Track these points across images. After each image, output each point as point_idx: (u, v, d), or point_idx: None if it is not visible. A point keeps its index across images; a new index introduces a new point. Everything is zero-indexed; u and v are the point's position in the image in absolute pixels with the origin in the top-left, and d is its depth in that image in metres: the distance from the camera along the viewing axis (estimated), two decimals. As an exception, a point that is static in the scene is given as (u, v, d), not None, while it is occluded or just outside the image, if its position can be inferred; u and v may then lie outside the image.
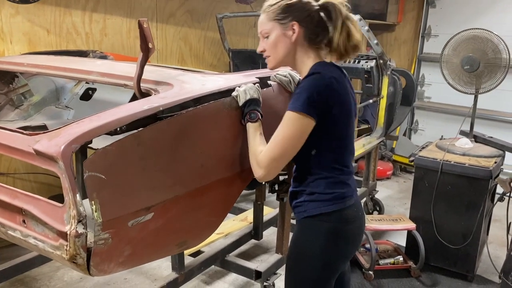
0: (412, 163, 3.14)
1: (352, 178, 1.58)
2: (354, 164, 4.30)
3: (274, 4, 1.49)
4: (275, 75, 1.83)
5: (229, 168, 1.62)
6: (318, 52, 1.51)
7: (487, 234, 3.30)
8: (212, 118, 1.54)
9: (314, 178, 1.51)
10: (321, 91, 1.39)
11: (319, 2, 1.47)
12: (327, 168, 1.50)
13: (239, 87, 1.63)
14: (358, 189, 3.87)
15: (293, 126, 1.40)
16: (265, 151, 1.44)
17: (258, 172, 1.46)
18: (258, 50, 1.57)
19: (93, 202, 1.18)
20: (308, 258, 1.53)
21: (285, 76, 1.81)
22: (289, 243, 1.63)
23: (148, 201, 1.35)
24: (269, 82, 1.80)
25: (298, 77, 1.81)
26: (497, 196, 2.92)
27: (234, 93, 1.62)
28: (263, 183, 2.43)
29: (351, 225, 1.53)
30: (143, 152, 1.32)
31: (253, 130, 1.53)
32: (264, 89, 1.71)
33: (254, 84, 1.64)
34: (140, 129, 1.33)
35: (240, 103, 1.59)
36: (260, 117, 1.56)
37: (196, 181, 1.51)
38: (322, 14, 1.46)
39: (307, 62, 1.51)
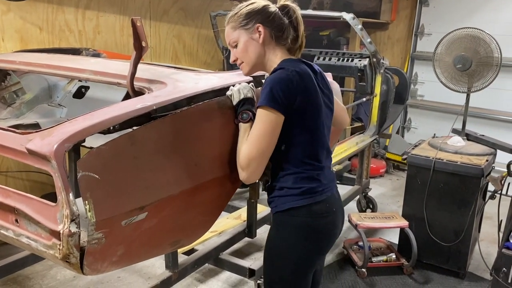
0: (405, 161, 3.16)
1: (324, 173, 1.58)
2: (347, 162, 4.33)
3: (236, 13, 1.56)
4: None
5: (223, 167, 1.62)
6: (285, 50, 1.57)
7: (479, 231, 3.34)
8: (207, 117, 1.54)
9: (283, 174, 1.54)
10: (282, 84, 1.43)
11: (277, 5, 1.56)
12: (297, 163, 1.52)
13: (233, 86, 1.63)
14: (351, 186, 3.89)
15: (263, 122, 1.43)
16: (243, 153, 1.46)
17: (241, 174, 1.48)
18: (231, 60, 1.63)
19: (86, 202, 1.18)
20: (281, 253, 1.56)
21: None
22: (267, 238, 1.64)
23: (142, 201, 1.35)
24: (263, 81, 1.80)
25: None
26: (488, 194, 2.95)
27: (228, 92, 1.62)
28: (257, 181, 2.44)
29: (323, 220, 1.55)
30: (137, 151, 1.32)
31: (243, 131, 1.54)
32: (259, 88, 1.71)
33: (249, 83, 1.65)
34: (134, 128, 1.33)
35: (234, 103, 1.60)
36: (252, 118, 1.56)
37: (190, 180, 1.51)
38: (281, 13, 1.55)
39: (275, 60, 1.56)
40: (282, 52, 1.57)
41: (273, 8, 1.55)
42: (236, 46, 1.58)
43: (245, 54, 1.57)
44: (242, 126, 1.55)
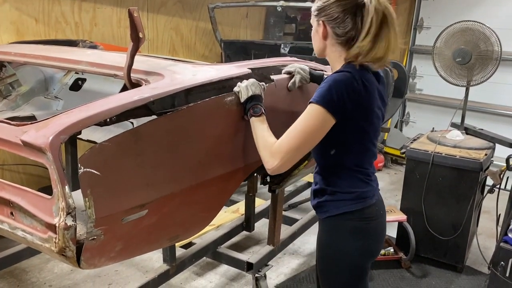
0: (404, 155, 3.15)
1: (373, 177, 1.58)
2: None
3: (316, 1, 1.51)
4: (284, 70, 1.88)
5: (226, 165, 1.60)
6: (348, 52, 1.45)
7: (477, 225, 3.34)
8: (212, 114, 1.52)
9: (336, 178, 1.51)
10: (344, 91, 1.36)
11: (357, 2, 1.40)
12: (349, 168, 1.50)
13: (240, 82, 1.61)
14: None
15: (313, 119, 1.38)
16: (281, 142, 1.41)
17: (272, 163, 1.42)
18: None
19: (87, 198, 1.17)
20: (336, 258, 1.54)
21: (294, 70, 1.86)
22: (317, 243, 1.62)
23: (143, 199, 1.34)
24: (272, 77, 1.79)
25: (307, 68, 1.87)
26: (486, 188, 2.94)
27: (236, 89, 1.60)
28: (255, 174, 2.42)
29: (373, 223, 1.54)
30: (140, 148, 1.30)
31: (260, 123, 1.52)
32: (267, 85, 1.69)
33: (260, 82, 1.63)
34: (139, 125, 1.31)
35: (242, 99, 1.58)
36: (264, 112, 1.55)
37: (192, 178, 1.50)
38: (354, 13, 1.41)
39: (339, 59, 1.49)
40: (346, 54, 1.46)
41: (343, 6, 1.41)
42: None
43: (313, 40, 1.55)
44: (257, 120, 1.53)
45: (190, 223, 1.66)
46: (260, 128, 1.51)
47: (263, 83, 1.66)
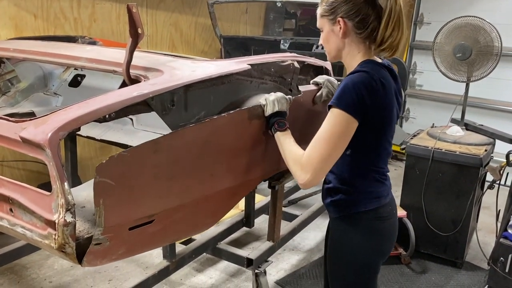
0: (404, 151, 3.15)
1: (387, 177, 1.55)
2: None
3: (323, 1, 1.46)
4: (313, 81, 1.86)
5: (238, 176, 1.61)
6: (368, 46, 1.44)
7: (477, 221, 3.34)
8: (234, 127, 1.52)
9: (351, 177, 1.48)
10: (364, 92, 1.33)
11: None
12: (365, 167, 1.48)
13: (268, 95, 1.58)
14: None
15: (337, 124, 1.34)
16: (309, 154, 1.36)
17: (304, 177, 1.37)
18: (319, 42, 1.56)
19: (98, 208, 1.16)
20: (348, 256, 1.53)
21: (323, 83, 1.85)
22: (328, 242, 1.61)
23: (153, 209, 1.34)
24: (300, 88, 1.78)
25: (336, 82, 1.84)
26: (486, 184, 2.94)
27: (262, 101, 1.58)
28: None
29: (387, 222, 1.52)
30: (158, 159, 1.30)
31: (286, 138, 1.49)
32: (293, 97, 1.67)
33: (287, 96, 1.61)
34: (160, 136, 1.31)
35: (267, 113, 1.56)
36: (288, 126, 1.53)
37: (203, 190, 1.50)
38: (371, 3, 1.39)
39: (356, 57, 1.45)
40: (365, 49, 1.44)
41: None
42: (323, 31, 1.50)
43: (327, 44, 1.50)
44: (283, 134, 1.51)
45: (194, 227, 1.68)
46: (286, 143, 1.49)
47: (290, 96, 1.63)
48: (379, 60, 1.47)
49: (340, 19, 1.42)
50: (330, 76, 2.26)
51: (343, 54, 1.48)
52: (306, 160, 1.37)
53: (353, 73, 1.38)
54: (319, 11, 1.48)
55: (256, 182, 1.78)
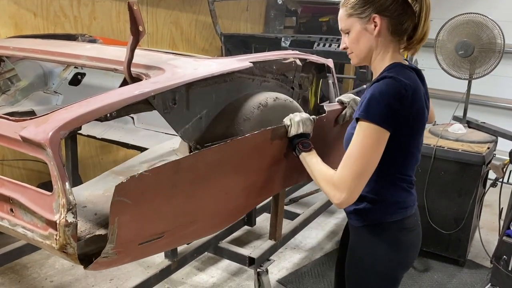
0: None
1: (414, 185, 1.49)
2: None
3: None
4: (338, 99, 1.81)
5: (250, 195, 1.60)
6: (398, 46, 1.40)
7: (479, 219, 3.33)
8: (256, 147, 1.50)
9: (376, 185, 1.41)
10: (390, 100, 1.27)
11: None
12: (392, 176, 1.42)
13: (293, 115, 1.54)
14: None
15: (368, 138, 1.28)
16: (342, 171, 1.30)
17: (339, 196, 1.30)
18: (341, 47, 1.47)
19: (112, 226, 1.15)
20: (368, 268, 1.46)
21: (348, 102, 1.80)
22: (348, 251, 1.55)
23: (166, 227, 1.34)
24: (325, 107, 1.75)
25: None
26: (488, 182, 2.93)
27: (286, 122, 1.55)
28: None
29: (411, 233, 1.46)
30: (177, 180, 1.29)
31: (313, 158, 1.45)
32: (317, 117, 1.64)
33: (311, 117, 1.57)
34: (182, 157, 1.29)
35: (290, 134, 1.52)
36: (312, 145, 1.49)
37: (216, 207, 1.50)
38: None
39: (386, 58, 1.39)
40: (395, 48, 1.39)
41: None
42: (348, 33, 1.41)
43: (356, 45, 1.41)
44: (308, 154, 1.46)
45: (201, 235, 1.70)
46: (314, 163, 1.44)
47: (314, 116, 1.59)
48: (406, 62, 1.41)
49: (375, 15, 1.34)
50: (333, 74, 2.25)
51: (374, 55, 1.41)
52: (339, 178, 1.30)
53: (378, 80, 1.32)
54: (344, 12, 1.40)
55: (270, 196, 1.78)
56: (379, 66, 1.41)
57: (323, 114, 1.74)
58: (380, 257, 1.44)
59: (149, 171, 1.19)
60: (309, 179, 1.58)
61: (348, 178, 1.29)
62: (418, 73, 1.41)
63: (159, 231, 1.33)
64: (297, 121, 1.53)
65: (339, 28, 1.46)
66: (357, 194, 1.31)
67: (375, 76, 1.40)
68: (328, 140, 1.80)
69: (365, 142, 1.28)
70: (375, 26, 1.36)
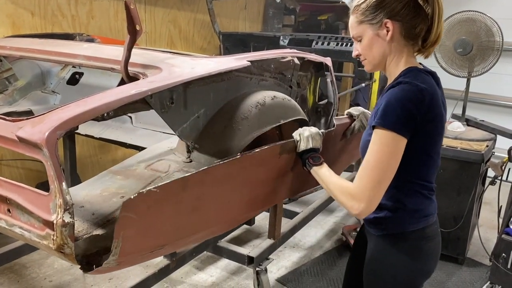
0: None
1: (435, 193, 1.46)
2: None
3: (361, 3, 1.36)
4: (347, 112, 1.79)
5: (253, 207, 1.62)
6: (412, 50, 1.38)
7: (478, 217, 3.33)
8: (264, 163, 1.50)
9: (397, 193, 1.38)
10: (407, 106, 1.25)
11: None
12: (413, 183, 1.39)
13: (302, 130, 1.53)
14: (350, 173, 3.86)
15: (385, 145, 1.26)
16: (360, 181, 1.28)
17: (358, 206, 1.28)
18: (353, 54, 1.45)
19: (117, 240, 1.15)
20: (388, 277, 1.44)
21: (357, 116, 1.78)
22: (367, 260, 1.52)
23: (167, 240, 1.35)
24: (335, 121, 1.74)
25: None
26: (487, 180, 2.93)
27: (296, 137, 1.53)
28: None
29: (432, 242, 1.44)
30: (184, 196, 1.29)
31: (325, 171, 1.43)
32: (326, 131, 1.63)
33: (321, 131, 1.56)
34: (190, 174, 1.29)
35: (299, 150, 1.50)
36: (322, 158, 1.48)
37: (218, 218, 1.51)
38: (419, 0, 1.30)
39: (400, 63, 1.37)
40: (409, 53, 1.37)
41: None
42: (360, 40, 1.40)
43: (369, 51, 1.39)
44: (320, 168, 1.45)
45: (199, 241, 1.73)
46: (327, 176, 1.42)
47: (323, 130, 1.58)
48: (421, 66, 1.39)
49: (387, 20, 1.32)
50: (331, 72, 2.24)
51: (388, 61, 1.39)
52: (357, 188, 1.28)
53: (394, 86, 1.29)
54: (354, 19, 1.38)
55: (273, 205, 1.81)
56: (393, 71, 1.39)
57: (332, 128, 1.71)
58: (400, 266, 1.41)
59: (158, 187, 1.18)
60: (314, 187, 1.59)
61: (366, 187, 1.27)
62: (434, 76, 1.39)
63: (162, 244, 1.34)
64: (306, 136, 1.51)
65: (351, 36, 1.44)
66: (376, 203, 1.29)
67: (389, 82, 1.38)
68: (335, 152, 1.80)
69: (382, 150, 1.26)
70: (388, 31, 1.34)
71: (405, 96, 1.25)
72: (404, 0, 1.31)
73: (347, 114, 1.80)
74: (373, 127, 1.29)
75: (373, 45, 1.37)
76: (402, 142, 1.26)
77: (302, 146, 1.50)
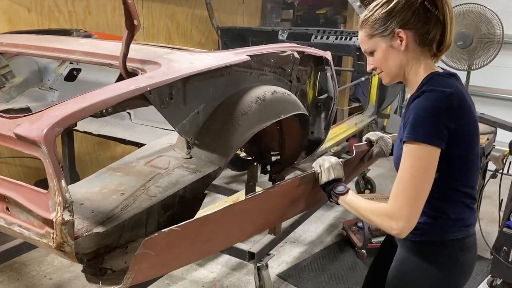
0: (405, 141, 3.12)
1: (476, 201, 1.40)
2: (345, 143, 4.30)
3: (369, 17, 1.33)
4: (366, 137, 1.74)
5: (262, 228, 1.69)
6: (429, 55, 1.34)
7: (479, 210, 3.32)
8: (282, 195, 1.49)
9: (438, 200, 1.32)
10: (437, 115, 1.20)
11: None
12: (453, 190, 1.34)
13: (322, 160, 1.48)
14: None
15: (418, 159, 1.22)
16: (395, 199, 1.24)
17: (397, 226, 1.23)
18: (368, 69, 1.42)
19: (131, 273, 1.14)
20: (414, 285, 1.40)
21: (376, 141, 1.72)
22: (397, 265, 1.46)
23: (176, 266, 1.39)
24: (354, 146, 1.71)
25: (390, 142, 1.73)
26: (488, 173, 2.92)
27: (316, 169, 1.47)
28: (255, 164, 2.39)
29: (469, 254, 1.38)
30: (202, 230, 1.29)
31: (353, 198, 1.39)
32: (345, 161, 1.57)
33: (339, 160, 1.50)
34: (210, 213, 1.27)
35: (321, 182, 1.45)
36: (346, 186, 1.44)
37: (226, 244, 1.57)
38: (426, 3, 1.27)
39: (420, 71, 1.33)
40: (426, 59, 1.33)
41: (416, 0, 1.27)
42: (372, 53, 1.36)
43: (385, 64, 1.35)
44: (347, 196, 1.40)
45: None
46: (356, 202, 1.37)
47: (342, 159, 1.54)
48: (441, 70, 1.35)
49: (399, 30, 1.29)
50: (331, 66, 2.23)
51: (406, 70, 1.35)
52: (393, 207, 1.24)
53: (418, 96, 1.25)
54: (364, 33, 1.35)
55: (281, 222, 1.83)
56: (414, 80, 1.35)
57: (351, 157, 1.68)
58: (433, 276, 1.36)
59: (179, 226, 1.17)
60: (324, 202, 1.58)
61: (403, 204, 1.23)
62: (455, 77, 1.35)
63: (172, 269, 1.37)
64: (327, 167, 1.46)
65: (362, 50, 1.41)
66: (416, 219, 1.24)
67: (411, 92, 1.35)
68: (349, 179, 1.81)
69: (416, 164, 1.22)
70: (401, 41, 1.30)
71: (432, 105, 1.21)
72: (413, 7, 1.27)
73: (365, 140, 1.75)
74: (404, 143, 1.25)
75: (388, 56, 1.34)
76: (436, 153, 1.22)
77: (324, 178, 1.45)
